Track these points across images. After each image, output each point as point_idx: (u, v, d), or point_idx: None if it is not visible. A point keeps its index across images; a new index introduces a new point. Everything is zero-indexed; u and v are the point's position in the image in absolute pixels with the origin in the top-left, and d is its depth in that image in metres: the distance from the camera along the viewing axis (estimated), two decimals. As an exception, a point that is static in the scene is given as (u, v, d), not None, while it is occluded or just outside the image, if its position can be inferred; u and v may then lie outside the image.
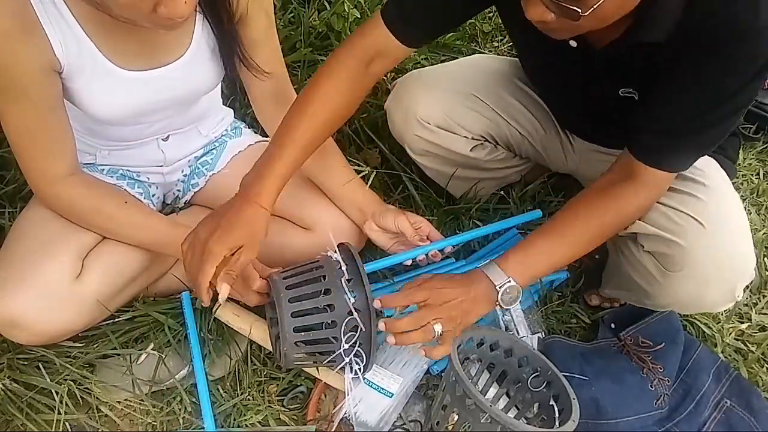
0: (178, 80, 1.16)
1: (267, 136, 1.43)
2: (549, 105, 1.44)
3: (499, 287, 1.10)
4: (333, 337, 1.09)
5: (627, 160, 1.12)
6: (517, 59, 1.50)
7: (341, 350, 1.09)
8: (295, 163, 1.14)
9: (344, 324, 1.08)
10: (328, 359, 1.11)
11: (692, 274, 1.15)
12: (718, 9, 0.97)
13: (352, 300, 1.08)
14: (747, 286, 1.56)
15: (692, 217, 1.14)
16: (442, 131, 1.40)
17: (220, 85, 1.42)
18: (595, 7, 0.90)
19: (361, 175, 1.40)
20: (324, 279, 1.10)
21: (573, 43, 1.11)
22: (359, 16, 1.79)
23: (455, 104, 1.40)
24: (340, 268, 1.11)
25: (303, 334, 1.09)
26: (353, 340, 1.09)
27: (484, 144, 1.46)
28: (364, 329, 1.09)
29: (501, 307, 1.11)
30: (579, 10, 0.91)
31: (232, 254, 1.04)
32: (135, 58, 1.10)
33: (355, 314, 1.08)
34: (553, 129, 1.47)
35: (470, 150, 1.44)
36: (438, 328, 1.06)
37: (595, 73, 1.17)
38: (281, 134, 1.15)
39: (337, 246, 1.16)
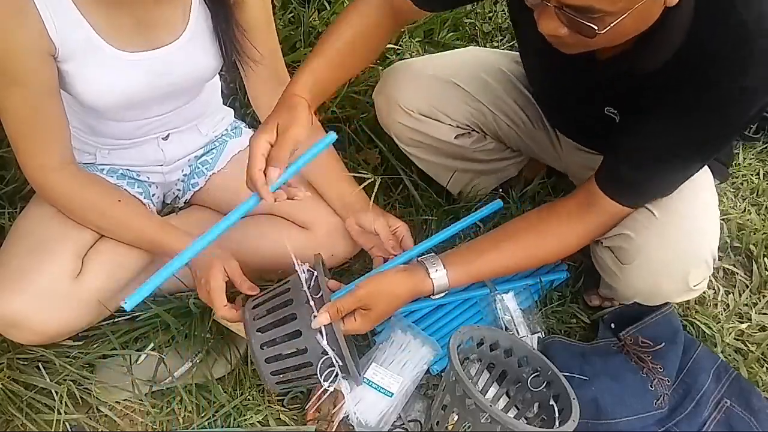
0: (176, 63, 1.15)
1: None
2: (539, 102, 1.44)
3: (436, 295, 1.15)
4: (307, 363, 1.09)
5: (589, 187, 1.14)
6: (509, 52, 1.51)
7: (318, 375, 1.09)
8: (328, 65, 1.13)
9: (314, 351, 1.07)
10: (310, 382, 1.12)
11: (645, 264, 1.16)
12: (708, 58, 0.97)
13: (313, 304, 1.06)
14: (718, 277, 1.59)
15: (646, 207, 1.16)
16: (426, 119, 1.40)
17: (220, 85, 1.42)
18: (612, 25, 0.89)
19: (366, 183, 1.40)
20: (291, 303, 1.09)
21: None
22: (359, 16, 1.79)
23: (438, 92, 1.40)
24: (304, 290, 1.09)
25: (276, 363, 1.09)
26: (328, 363, 1.08)
27: (470, 133, 1.46)
28: (334, 349, 1.07)
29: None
30: (596, 28, 0.89)
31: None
32: (131, 39, 1.09)
33: (324, 340, 1.06)
34: (540, 123, 1.47)
35: (455, 138, 1.43)
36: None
37: (588, 86, 1.18)
38: (315, 48, 1.16)
39: (313, 261, 1.14)
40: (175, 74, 1.16)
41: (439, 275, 1.12)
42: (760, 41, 0.94)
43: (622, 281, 1.22)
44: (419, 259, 1.16)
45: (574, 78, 1.19)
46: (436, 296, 1.16)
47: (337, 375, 1.09)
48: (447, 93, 1.40)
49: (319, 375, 1.09)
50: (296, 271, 1.11)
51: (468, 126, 1.45)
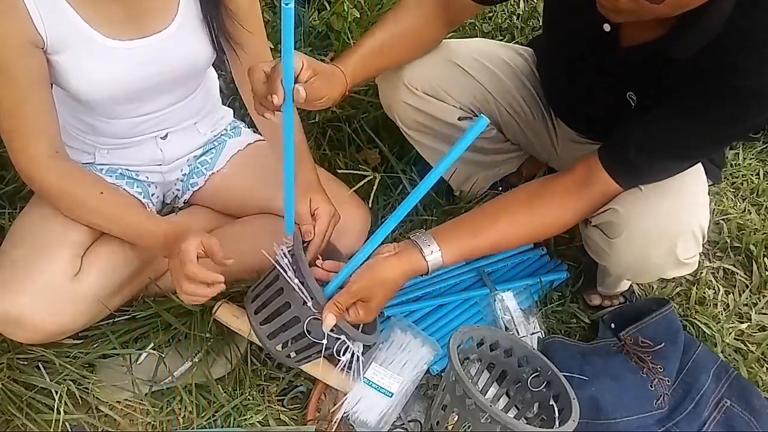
0: (167, 51, 1.14)
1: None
2: (547, 86, 1.44)
3: (431, 271, 1.12)
4: (314, 341, 1.09)
5: (591, 163, 1.14)
6: (513, 45, 1.52)
7: (335, 355, 1.10)
8: (377, 52, 1.20)
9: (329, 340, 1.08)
10: (327, 352, 1.12)
11: (632, 236, 1.17)
12: (746, 46, 0.98)
13: (311, 305, 1.06)
14: (705, 252, 1.60)
15: None
16: (430, 98, 1.40)
17: (219, 84, 1.42)
18: None
19: (366, 179, 1.39)
20: (289, 306, 1.09)
21: (606, 27, 1.10)
22: (359, 16, 1.79)
23: (444, 73, 1.40)
24: (298, 293, 1.08)
25: (296, 356, 1.11)
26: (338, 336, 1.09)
27: (472, 118, 1.46)
28: (343, 335, 1.08)
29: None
30: None
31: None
32: (121, 28, 1.09)
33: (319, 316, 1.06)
34: (540, 115, 1.48)
35: (458, 119, 1.43)
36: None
37: (611, 69, 1.18)
38: (373, 27, 1.23)
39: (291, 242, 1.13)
40: (168, 62, 1.16)
41: (433, 256, 1.10)
42: None
43: (611, 257, 1.22)
44: (411, 238, 1.13)
45: (594, 62, 1.20)
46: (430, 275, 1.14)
47: (350, 348, 1.11)
48: (452, 74, 1.41)
49: (335, 354, 1.10)
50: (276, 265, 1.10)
51: (470, 110, 1.45)
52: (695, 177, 1.21)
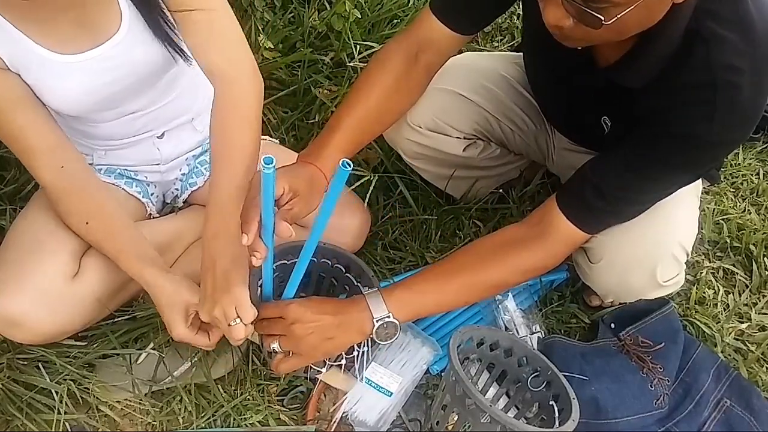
0: (121, 56, 1.12)
1: (267, 135, 1.42)
2: (537, 96, 1.44)
3: (377, 321, 1.07)
4: None
5: (549, 210, 1.12)
6: (505, 54, 1.52)
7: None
8: (352, 137, 1.16)
9: None
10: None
11: (612, 263, 1.18)
12: (677, 103, 0.98)
13: None
14: (689, 270, 1.56)
15: None
16: (434, 134, 1.40)
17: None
18: (618, 17, 0.89)
19: (363, 179, 1.39)
20: None
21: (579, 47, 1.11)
22: (360, 16, 1.78)
23: (444, 105, 1.39)
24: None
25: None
26: None
27: (476, 142, 1.46)
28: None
29: (375, 340, 1.09)
30: (602, 18, 0.89)
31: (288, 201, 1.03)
32: (71, 43, 1.08)
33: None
34: (541, 122, 1.48)
35: (463, 150, 1.43)
36: (275, 345, 1.07)
37: (589, 88, 1.17)
38: (340, 110, 1.18)
39: None
40: (125, 66, 1.13)
41: (378, 302, 1.07)
42: (722, 93, 0.95)
43: (594, 279, 1.24)
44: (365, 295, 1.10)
45: (574, 79, 1.19)
46: (383, 341, 1.10)
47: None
48: (453, 104, 1.40)
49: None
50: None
51: (474, 135, 1.44)
52: (680, 190, 1.21)
